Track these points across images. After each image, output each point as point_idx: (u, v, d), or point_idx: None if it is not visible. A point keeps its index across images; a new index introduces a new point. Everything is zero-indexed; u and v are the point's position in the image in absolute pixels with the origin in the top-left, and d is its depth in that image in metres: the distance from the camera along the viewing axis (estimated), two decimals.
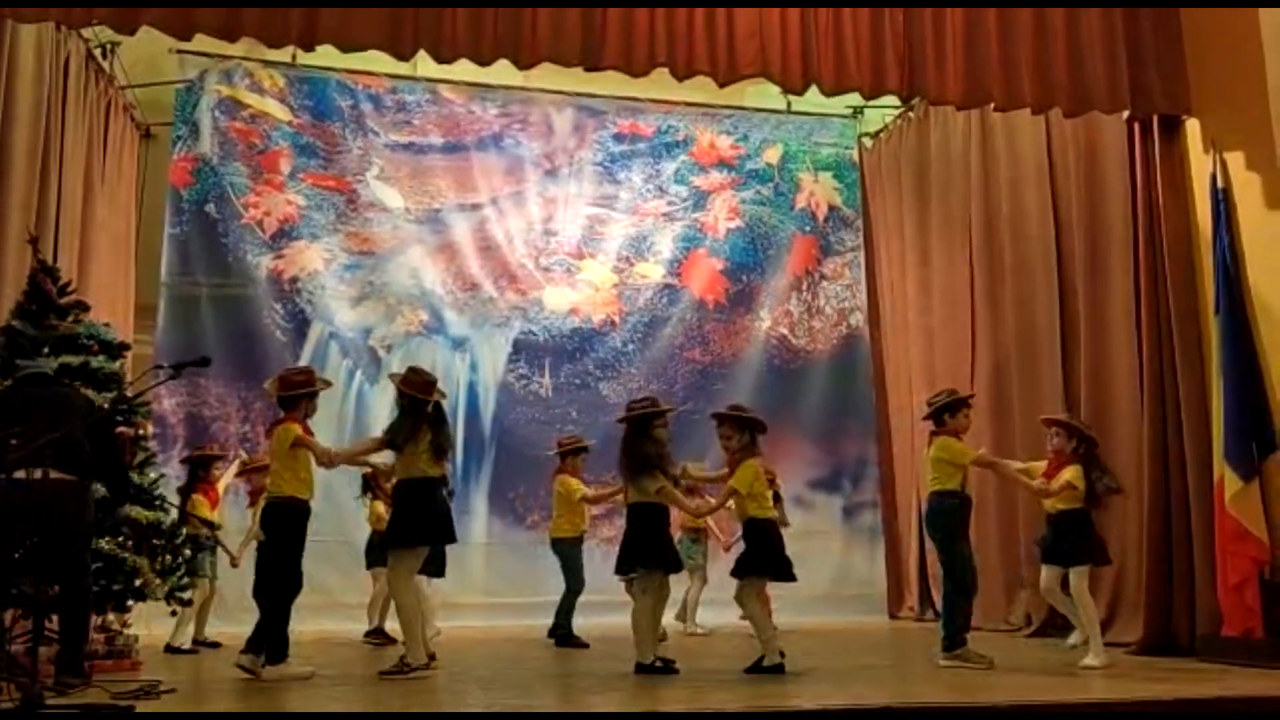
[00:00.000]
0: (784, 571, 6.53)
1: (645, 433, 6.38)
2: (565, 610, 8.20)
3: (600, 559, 8.76)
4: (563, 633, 8.14)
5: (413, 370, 6.46)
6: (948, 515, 6.54)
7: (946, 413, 6.68)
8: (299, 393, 6.28)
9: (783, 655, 6.12)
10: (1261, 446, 6.61)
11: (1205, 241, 7.04)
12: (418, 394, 6.18)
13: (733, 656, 6.79)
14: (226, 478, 8.22)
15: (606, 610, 8.55)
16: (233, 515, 8.67)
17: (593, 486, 8.47)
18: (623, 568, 6.42)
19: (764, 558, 6.40)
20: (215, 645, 7.90)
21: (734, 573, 6.53)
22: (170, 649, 7.46)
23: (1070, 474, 6.40)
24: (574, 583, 8.26)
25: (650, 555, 6.30)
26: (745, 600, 6.48)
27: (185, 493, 7.84)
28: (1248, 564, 6.47)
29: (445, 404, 6.53)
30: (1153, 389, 7.20)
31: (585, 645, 7.95)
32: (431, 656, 6.19)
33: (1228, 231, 6.86)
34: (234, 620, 8.51)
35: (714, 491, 7.24)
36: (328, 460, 6.31)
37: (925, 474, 6.87)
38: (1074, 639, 7.01)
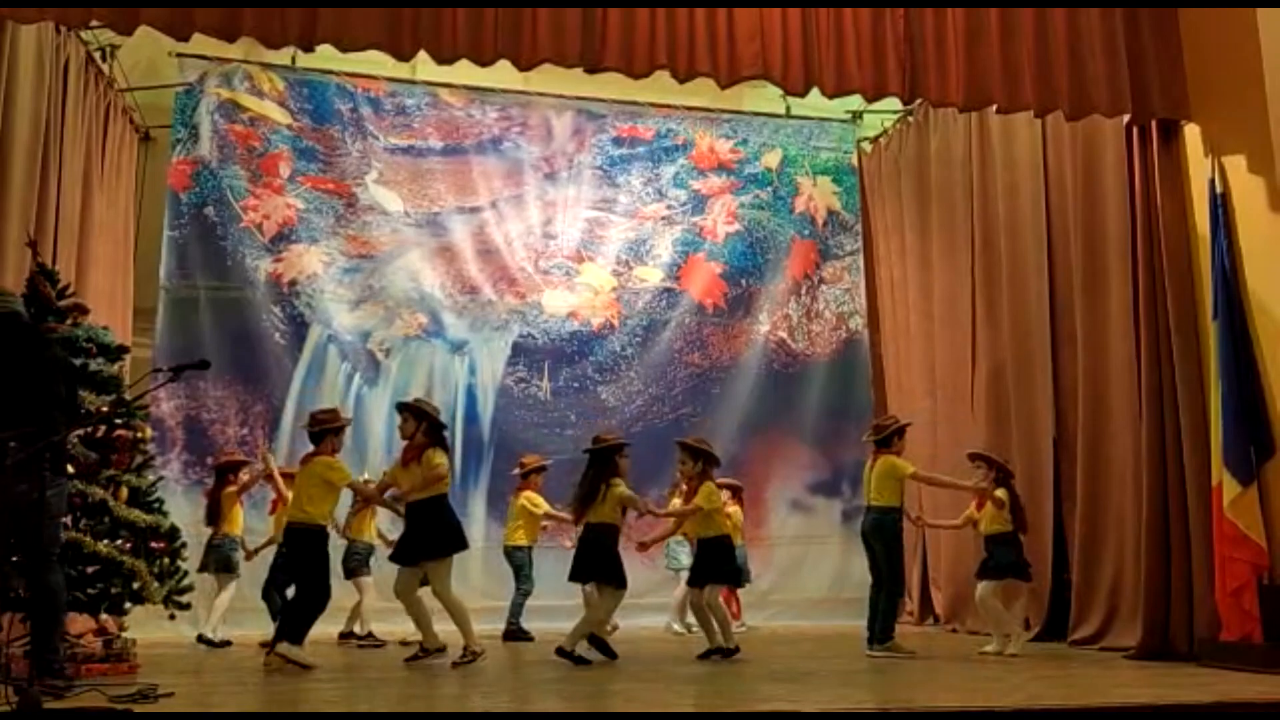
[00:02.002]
0: (741, 578, 8.10)
1: (608, 464, 7.18)
2: (517, 610, 8.94)
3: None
4: (514, 629, 8.86)
5: (419, 401, 7.25)
6: (892, 527, 7.59)
7: (896, 436, 7.71)
8: (324, 429, 6.96)
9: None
10: (1260, 451, 6.61)
11: (1204, 246, 7.04)
12: (438, 420, 6.96)
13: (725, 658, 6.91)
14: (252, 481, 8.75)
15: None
16: (250, 518, 8.96)
17: (557, 504, 9.06)
18: (577, 577, 7.36)
19: (723, 568, 7.44)
20: (227, 644, 8.19)
21: (693, 583, 7.60)
22: (205, 641, 8.08)
23: (1001, 492, 7.42)
24: (528, 585, 8.99)
25: (603, 571, 7.12)
26: (713, 603, 7.44)
27: (215, 496, 8.47)
28: (1246, 569, 6.46)
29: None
30: (1151, 393, 7.20)
31: (531, 638, 8.70)
32: (442, 649, 6.93)
33: (1226, 236, 6.85)
34: (240, 623, 8.57)
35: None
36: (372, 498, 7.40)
37: (867, 488, 7.80)
38: (991, 647, 7.43)
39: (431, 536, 6.83)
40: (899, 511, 7.62)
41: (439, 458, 6.77)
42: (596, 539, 7.12)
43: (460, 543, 7.00)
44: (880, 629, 7.46)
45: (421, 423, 6.90)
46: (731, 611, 9.31)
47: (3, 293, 5.68)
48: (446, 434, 7.18)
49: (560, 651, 6.82)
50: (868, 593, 10.98)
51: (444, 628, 7.14)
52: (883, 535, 7.60)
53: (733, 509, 9.16)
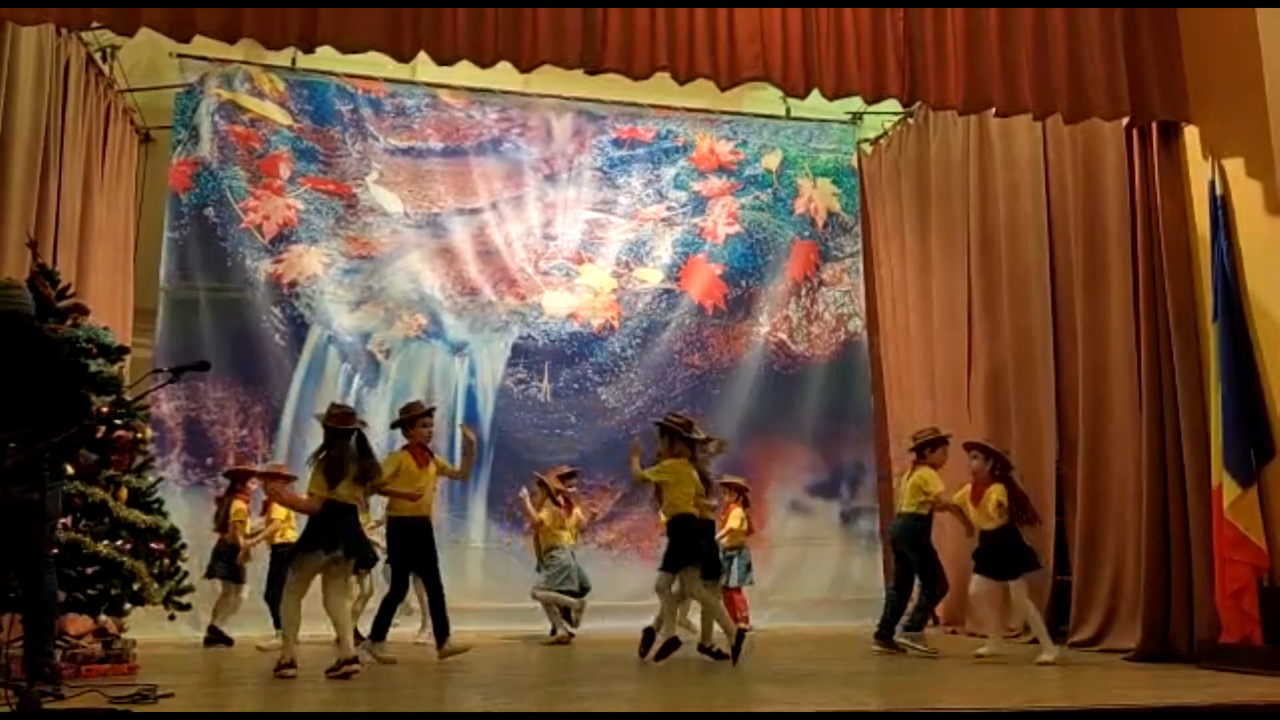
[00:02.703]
0: (718, 569, 7.57)
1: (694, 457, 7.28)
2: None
3: (609, 565, 8.99)
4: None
5: (332, 405, 7.02)
6: (922, 535, 7.72)
7: (929, 448, 7.78)
8: (400, 420, 7.51)
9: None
10: (1260, 453, 6.61)
11: (1204, 248, 7.04)
12: (327, 427, 6.63)
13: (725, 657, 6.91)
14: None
15: (608, 615, 8.65)
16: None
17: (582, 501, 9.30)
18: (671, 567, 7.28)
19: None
20: (230, 642, 8.37)
21: (665, 566, 7.20)
22: (216, 634, 8.34)
23: (998, 494, 7.22)
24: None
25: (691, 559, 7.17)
26: (694, 590, 7.09)
27: (226, 503, 8.63)
28: (1246, 571, 6.46)
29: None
30: (1151, 395, 7.20)
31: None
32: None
33: (1226, 238, 6.86)
34: (241, 624, 8.59)
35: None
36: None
37: (901, 496, 7.91)
38: (986, 649, 7.36)
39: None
40: (927, 520, 7.74)
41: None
42: (688, 529, 7.23)
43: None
44: (914, 620, 7.72)
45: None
46: (741, 615, 9.28)
47: (7, 287, 5.59)
48: (362, 428, 6.79)
49: (702, 649, 7.18)
50: (867, 594, 11.09)
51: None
52: (915, 541, 7.73)
53: (735, 511, 9.17)
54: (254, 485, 8.84)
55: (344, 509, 6.48)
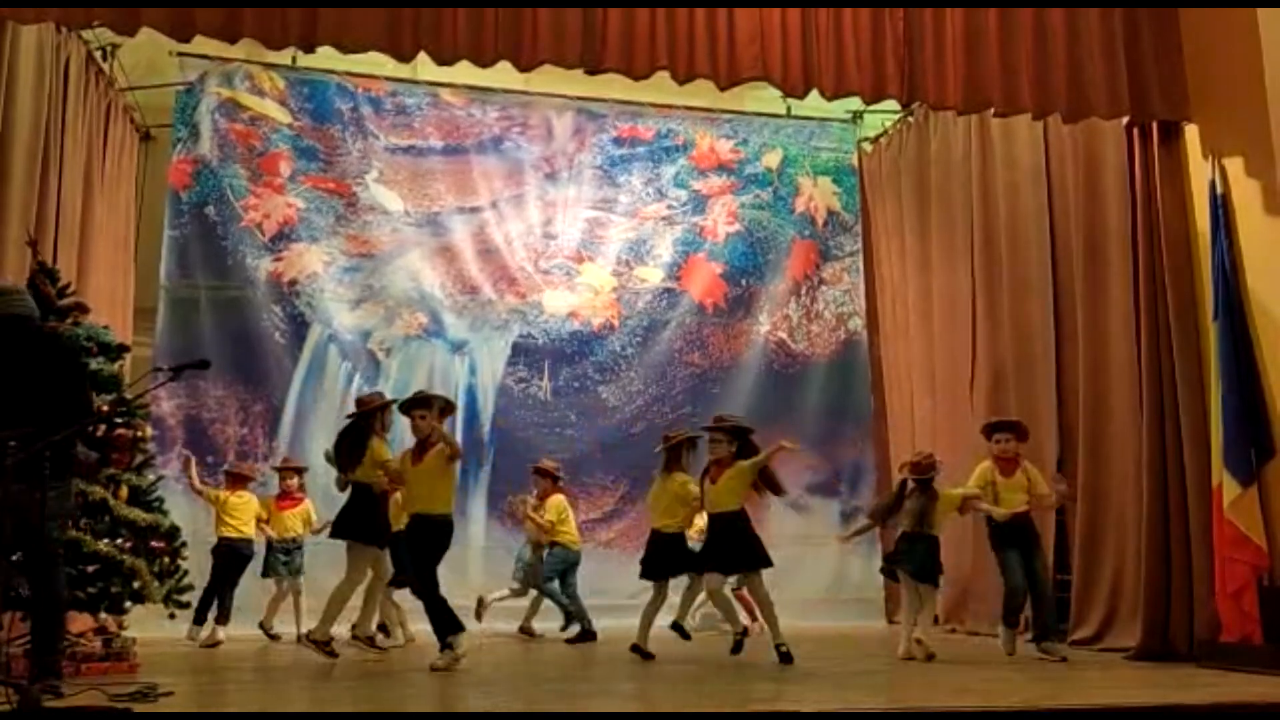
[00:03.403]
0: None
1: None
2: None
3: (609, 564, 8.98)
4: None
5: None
6: (990, 534, 7.53)
7: (989, 435, 7.53)
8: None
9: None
10: (1260, 452, 6.61)
11: (1204, 247, 7.05)
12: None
13: (726, 657, 6.91)
14: None
15: (608, 614, 8.65)
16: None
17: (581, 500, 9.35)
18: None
19: (650, 561, 7.63)
20: (276, 638, 8.64)
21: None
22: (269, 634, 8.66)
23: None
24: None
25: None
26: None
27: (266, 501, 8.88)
28: (1246, 570, 6.46)
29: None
30: (1151, 394, 7.20)
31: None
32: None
33: (1227, 237, 6.86)
34: (241, 623, 8.59)
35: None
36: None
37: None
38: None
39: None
40: (990, 518, 7.40)
41: None
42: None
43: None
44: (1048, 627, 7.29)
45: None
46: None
47: (9, 291, 5.52)
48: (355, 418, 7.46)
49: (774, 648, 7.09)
50: (867, 594, 11.09)
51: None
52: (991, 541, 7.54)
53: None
54: (293, 481, 8.88)
55: (356, 492, 7.19)
